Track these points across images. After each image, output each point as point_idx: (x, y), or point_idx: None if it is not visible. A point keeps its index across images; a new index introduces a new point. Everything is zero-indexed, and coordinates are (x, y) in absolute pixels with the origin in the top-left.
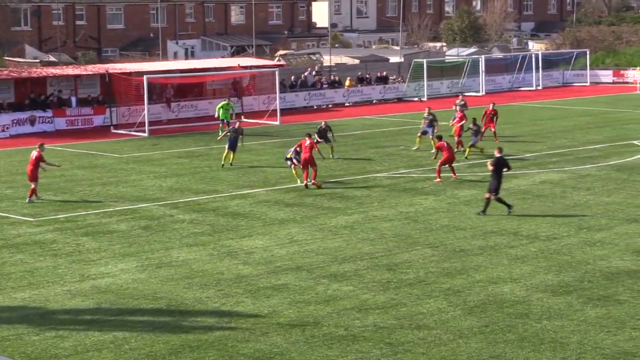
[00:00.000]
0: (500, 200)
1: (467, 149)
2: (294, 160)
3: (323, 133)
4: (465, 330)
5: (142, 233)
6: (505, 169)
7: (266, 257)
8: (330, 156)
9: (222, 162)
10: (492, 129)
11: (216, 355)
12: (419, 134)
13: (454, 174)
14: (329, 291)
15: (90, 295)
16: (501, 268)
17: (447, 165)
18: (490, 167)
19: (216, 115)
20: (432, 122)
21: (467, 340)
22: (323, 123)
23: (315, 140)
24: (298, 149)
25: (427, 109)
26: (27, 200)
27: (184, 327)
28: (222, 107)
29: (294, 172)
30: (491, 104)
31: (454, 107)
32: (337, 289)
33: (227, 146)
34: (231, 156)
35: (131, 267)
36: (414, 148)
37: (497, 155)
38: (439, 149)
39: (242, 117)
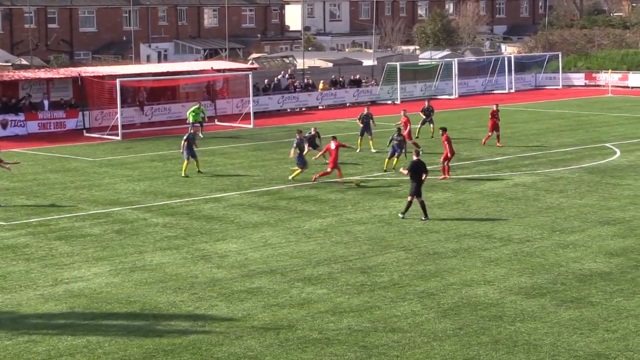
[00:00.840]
0: (422, 206)
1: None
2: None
3: (312, 139)
4: (440, 333)
5: (116, 237)
6: (424, 174)
7: (240, 261)
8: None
9: (184, 173)
10: (497, 132)
11: (190, 358)
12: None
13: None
14: (303, 294)
15: (63, 299)
16: (475, 271)
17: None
18: (405, 172)
19: (188, 120)
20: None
21: (441, 343)
22: (313, 129)
23: (302, 147)
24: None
25: (402, 110)
26: None
27: (157, 331)
28: (193, 111)
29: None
30: (495, 105)
31: (420, 113)
32: (311, 292)
33: (185, 156)
34: (195, 164)
35: (104, 271)
36: (373, 150)
37: (415, 158)
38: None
39: (216, 120)
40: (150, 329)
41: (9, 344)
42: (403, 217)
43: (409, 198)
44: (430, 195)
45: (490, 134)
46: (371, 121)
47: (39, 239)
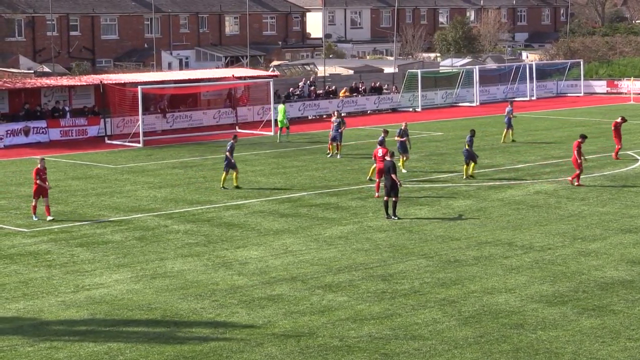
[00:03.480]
0: (394, 206)
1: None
2: None
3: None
4: (460, 341)
5: (137, 244)
6: (393, 175)
7: (261, 268)
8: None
9: (222, 185)
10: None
11: None
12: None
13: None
14: (324, 302)
15: (85, 306)
16: (496, 278)
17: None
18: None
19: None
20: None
21: (462, 351)
22: (404, 124)
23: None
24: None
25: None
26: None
27: (178, 338)
28: (282, 112)
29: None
30: (620, 117)
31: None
32: (332, 300)
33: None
34: (233, 176)
35: (126, 277)
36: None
37: (388, 159)
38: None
39: (237, 127)
40: (171, 336)
41: (31, 350)
42: (387, 218)
43: (385, 198)
44: (452, 202)
45: (619, 146)
46: (407, 139)
47: (60, 245)
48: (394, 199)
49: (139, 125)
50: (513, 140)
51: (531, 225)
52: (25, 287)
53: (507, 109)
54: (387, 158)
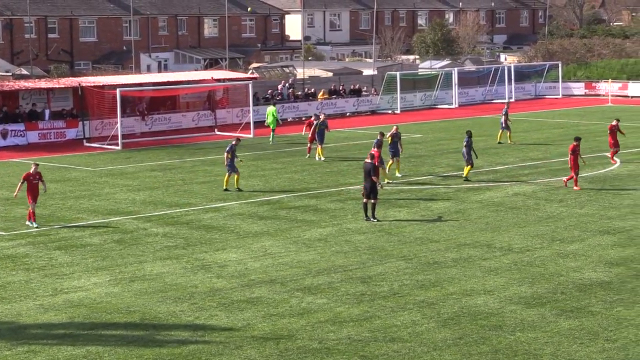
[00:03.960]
0: (372, 208)
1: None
2: None
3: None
4: (439, 343)
5: (115, 247)
6: (374, 177)
7: (240, 270)
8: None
9: (225, 187)
10: (617, 148)
11: None
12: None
13: None
14: (303, 304)
15: (63, 309)
16: (475, 280)
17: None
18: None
19: (266, 122)
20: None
21: (441, 353)
22: (322, 115)
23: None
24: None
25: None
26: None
27: (157, 341)
28: (271, 114)
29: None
30: (615, 120)
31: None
32: (311, 302)
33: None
34: (235, 179)
35: (104, 281)
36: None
37: (368, 161)
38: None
39: (216, 130)
40: (149, 339)
41: (9, 354)
42: (366, 220)
43: (364, 200)
44: (430, 204)
45: (613, 149)
46: (399, 143)
47: (38, 248)
48: (372, 200)
49: (117, 128)
50: (508, 142)
51: (510, 227)
52: (3, 290)
53: (503, 110)
54: (368, 160)
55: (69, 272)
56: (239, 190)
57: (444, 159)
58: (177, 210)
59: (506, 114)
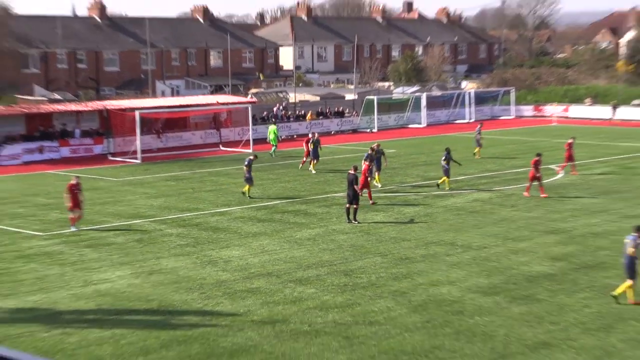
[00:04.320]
0: (354, 212)
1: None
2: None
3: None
4: (410, 326)
5: (136, 245)
6: (355, 186)
7: (242, 265)
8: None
9: (244, 192)
10: (573, 162)
11: (200, 348)
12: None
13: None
14: (295, 293)
15: (92, 298)
16: (440, 273)
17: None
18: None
19: (268, 140)
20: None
21: (412, 334)
22: (316, 134)
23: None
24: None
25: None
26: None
27: (172, 325)
28: (273, 132)
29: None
30: (571, 138)
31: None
32: (302, 292)
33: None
34: (247, 188)
35: (127, 274)
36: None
37: (352, 172)
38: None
39: (220, 145)
40: (165, 323)
41: (46, 336)
42: (348, 222)
43: (347, 206)
44: (403, 209)
45: (565, 164)
46: (383, 157)
47: (71, 247)
48: (354, 206)
49: (137, 144)
50: (476, 157)
51: (469, 228)
52: (40, 282)
53: (477, 129)
54: (351, 172)
55: (97, 267)
56: (250, 197)
57: (415, 170)
58: (188, 214)
59: (479, 133)
